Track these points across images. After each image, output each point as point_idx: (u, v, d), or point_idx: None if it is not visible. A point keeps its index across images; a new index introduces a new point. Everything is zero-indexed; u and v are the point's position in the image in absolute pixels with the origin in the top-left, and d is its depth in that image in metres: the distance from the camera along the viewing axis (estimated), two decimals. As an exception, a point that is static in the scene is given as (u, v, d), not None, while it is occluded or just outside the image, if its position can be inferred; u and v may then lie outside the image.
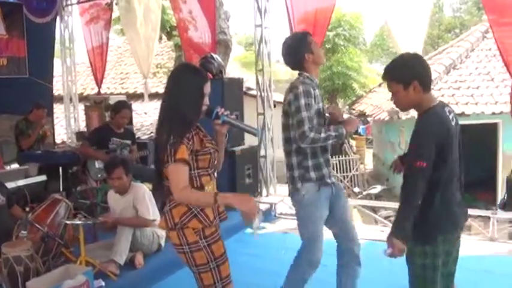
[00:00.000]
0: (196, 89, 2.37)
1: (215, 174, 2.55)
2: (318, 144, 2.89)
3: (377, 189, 11.39)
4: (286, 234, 5.35)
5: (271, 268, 4.22)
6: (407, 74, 2.35)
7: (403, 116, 10.13)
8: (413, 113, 9.62)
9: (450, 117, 2.40)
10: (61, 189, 5.59)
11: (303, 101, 2.84)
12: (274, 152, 6.31)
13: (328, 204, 3.02)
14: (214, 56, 6.04)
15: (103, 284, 3.64)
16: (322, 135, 2.81)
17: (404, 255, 2.45)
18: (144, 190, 4.16)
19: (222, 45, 8.76)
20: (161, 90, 13.62)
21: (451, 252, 2.50)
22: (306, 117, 2.82)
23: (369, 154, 17.94)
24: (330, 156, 3.04)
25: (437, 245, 2.39)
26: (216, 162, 2.50)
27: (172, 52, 13.35)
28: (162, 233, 4.29)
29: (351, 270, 3.16)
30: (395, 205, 6.47)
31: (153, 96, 13.58)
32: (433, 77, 10.47)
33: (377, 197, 10.68)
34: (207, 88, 2.40)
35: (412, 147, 2.38)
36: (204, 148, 2.39)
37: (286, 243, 5.01)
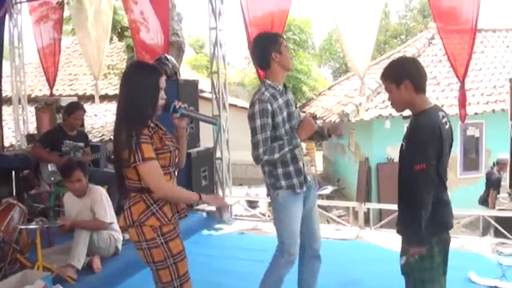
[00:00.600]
0: (151, 83, 2.39)
1: (175, 172, 2.58)
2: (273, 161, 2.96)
3: (328, 189, 11.67)
4: (242, 235, 5.44)
5: (229, 268, 4.31)
6: (399, 74, 2.47)
7: (353, 118, 10.46)
8: (362, 116, 10.02)
9: (443, 121, 2.47)
10: (14, 193, 5.42)
11: (258, 122, 2.87)
12: (229, 154, 6.37)
13: (302, 206, 3.08)
14: (169, 57, 6.03)
15: (61, 288, 3.59)
16: (276, 155, 2.89)
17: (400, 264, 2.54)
18: (101, 192, 4.14)
19: (175, 47, 8.71)
20: (112, 92, 13.41)
21: (445, 251, 2.59)
22: (260, 140, 2.88)
23: (318, 156, 18.32)
24: (301, 165, 3.05)
25: (432, 246, 2.46)
26: (176, 160, 2.53)
27: (123, 53, 13.15)
28: (119, 236, 4.27)
29: (312, 266, 3.29)
30: (347, 204, 6.69)
31: (103, 98, 13.31)
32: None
33: (328, 197, 10.94)
34: (162, 82, 2.44)
35: (410, 150, 2.44)
36: (164, 146, 2.42)
37: (242, 243, 5.11)
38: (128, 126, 2.32)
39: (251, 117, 2.90)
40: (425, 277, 2.50)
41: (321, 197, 11.01)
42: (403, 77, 2.44)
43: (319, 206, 6.67)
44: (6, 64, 8.64)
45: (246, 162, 15.78)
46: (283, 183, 2.98)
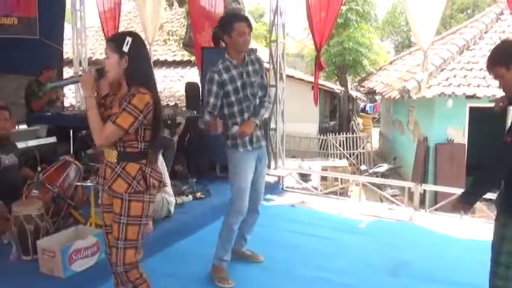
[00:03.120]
0: None
1: None
2: None
3: (383, 167, 11.38)
4: (292, 207, 5.38)
5: (279, 239, 4.28)
6: (508, 56, 2.41)
7: (414, 95, 10.04)
8: (424, 93, 9.60)
9: None
10: (71, 152, 5.58)
11: (206, 87, 3.32)
12: (284, 125, 6.28)
13: (253, 165, 3.45)
14: (229, 24, 5.94)
15: (113, 246, 3.66)
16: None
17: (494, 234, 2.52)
18: (157, 156, 4.15)
19: (236, 14, 8.62)
20: (170, 58, 13.55)
21: None
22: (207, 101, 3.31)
23: (374, 133, 17.91)
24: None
25: None
26: None
27: (183, 19, 13.18)
28: (172, 200, 4.32)
29: (250, 219, 3.63)
30: (403, 184, 6.48)
31: (162, 63, 13.51)
32: (445, 57, 10.44)
33: (383, 175, 10.68)
34: None
35: None
36: None
37: (292, 215, 5.06)
38: None
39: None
40: None
41: (375, 174, 10.77)
42: None
43: (374, 184, 6.55)
44: (68, 27, 8.84)
45: (300, 134, 15.71)
46: (228, 142, 3.42)
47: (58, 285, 3.14)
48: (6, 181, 4.07)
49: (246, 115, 3.38)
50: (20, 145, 4.61)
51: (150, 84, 2.47)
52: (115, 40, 2.49)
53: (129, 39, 2.41)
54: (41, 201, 3.58)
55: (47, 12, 7.40)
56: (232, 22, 3.27)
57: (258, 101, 3.43)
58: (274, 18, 6.15)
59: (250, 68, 3.42)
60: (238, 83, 3.34)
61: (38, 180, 3.87)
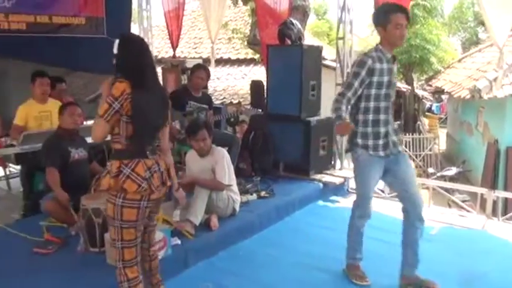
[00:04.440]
0: None
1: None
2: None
3: (452, 171, 10.83)
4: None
5: (345, 242, 4.15)
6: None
7: (485, 95, 9.52)
8: (496, 92, 9.07)
9: None
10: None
11: (352, 70, 3.18)
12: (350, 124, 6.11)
13: (382, 170, 3.25)
14: (294, 21, 5.85)
15: (179, 242, 3.70)
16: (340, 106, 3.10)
17: None
18: (224, 154, 4.16)
19: (300, 11, 8.53)
20: (234, 56, 13.64)
21: None
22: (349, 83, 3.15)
23: (441, 134, 17.21)
24: (381, 130, 3.19)
25: None
26: None
27: (247, 17, 13.21)
28: (237, 198, 4.31)
29: (415, 229, 3.29)
30: (475, 190, 6.13)
31: (225, 61, 13.63)
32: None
33: (451, 179, 10.20)
34: None
35: None
36: None
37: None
38: None
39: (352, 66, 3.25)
40: None
41: (444, 178, 10.31)
42: None
43: (442, 188, 6.25)
44: (134, 27, 9.05)
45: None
46: (359, 141, 3.20)
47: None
48: (76, 174, 4.24)
49: (381, 116, 3.18)
50: (90, 140, 4.75)
51: (137, 76, 2.52)
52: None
53: (117, 40, 2.63)
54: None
55: (114, 12, 7.55)
56: (389, 13, 3.08)
57: (391, 104, 3.24)
58: (341, 15, 6.01)
59: (395, 67, 3.25)
60: (385, 79, 3.14)
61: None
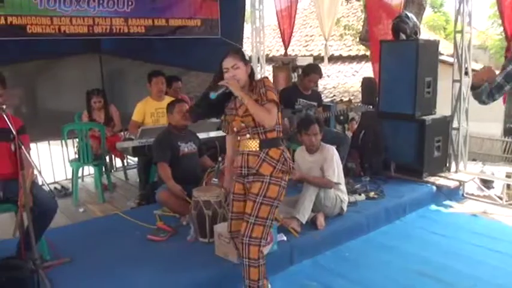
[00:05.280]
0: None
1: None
2: None
3: None
4: (475, 217, 4.84)
5: (458, 251, 3.88)
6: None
7: None
8: None
9: None
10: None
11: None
12: (468, 125, 5.71)
13: None
14: (409, 15, 5.58)
15: (285, 238, 3.71)
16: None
17: None
18: (333, 152, 4.09)
19: (415, 4, 8.12)
20: (345, 53, 13.39)
21: None
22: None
23: None
24: None
25: None
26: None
27: (360, 13, 12.92)
28: (345, 198, 4.23)
29: None
30: None
31: (336, 58, 13.43)
32: None
33: None
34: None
35: None
36: None
37: (473, 226, 4.56)
38: None
39: None
40: None
41: None
42: None
43: None
44: (247, 26, 9.26)
45: (482, 135, 14.27)
46: None
47: (231, 269, 3.28)
48: (185, 167, 4.44)
49: None
50: (202, 135, 4.95)
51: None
52: (239, 52, 2.95)
53: (243, 50, 2.82)
54: (219, 189, 3.78)
55: (228, 14, 7.77)
56: None
57: None
58: (459, 6, 5.60)
59: None
60: None
61: (218, 169, 4.12)
